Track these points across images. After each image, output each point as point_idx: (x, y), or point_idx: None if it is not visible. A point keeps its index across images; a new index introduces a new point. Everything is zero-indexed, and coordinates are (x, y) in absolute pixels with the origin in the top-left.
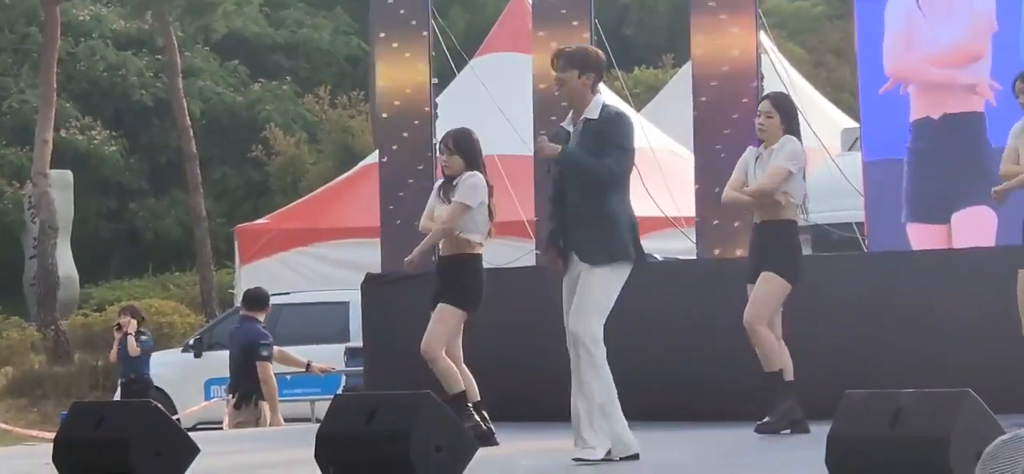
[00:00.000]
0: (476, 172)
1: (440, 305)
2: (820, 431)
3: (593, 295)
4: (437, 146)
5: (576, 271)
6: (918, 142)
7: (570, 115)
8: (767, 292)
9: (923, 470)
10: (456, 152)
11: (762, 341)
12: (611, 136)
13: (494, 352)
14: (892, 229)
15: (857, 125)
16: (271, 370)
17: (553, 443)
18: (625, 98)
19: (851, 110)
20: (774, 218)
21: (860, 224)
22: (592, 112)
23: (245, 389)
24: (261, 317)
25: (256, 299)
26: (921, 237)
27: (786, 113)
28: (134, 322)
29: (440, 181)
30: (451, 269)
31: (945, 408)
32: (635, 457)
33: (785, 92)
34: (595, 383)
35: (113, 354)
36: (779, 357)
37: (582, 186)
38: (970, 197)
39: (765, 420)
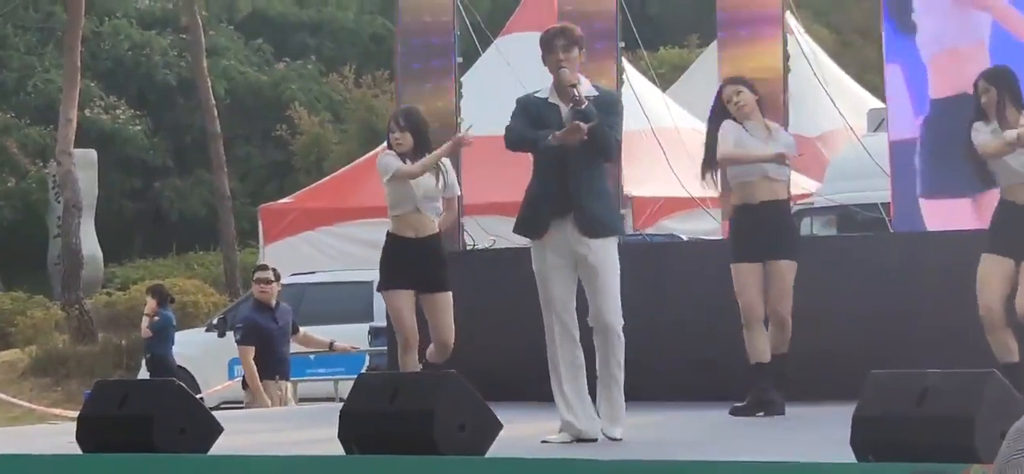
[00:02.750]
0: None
1: (443, 293)
2: (846, 411)
3: (612, 276)
4: (459, 124)
5: (572, 247)
6: (942, 121)
7: (549, 90)
8: (791, 280)
9: (948, 449)
10: (407, 129)
11: (788, 331)
12: (616, 112)
13: (507, 332)
14: (918, 209)
15: (883, 105)
16: (247, 354)
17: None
18: (651, 78)
19: (877, 90)
20: (778, 197)
21: (886, 204)
22: (588, 91)
23: None
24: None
25: None
26: (941, 210)
27: (753, 89)
28: (152, 302)
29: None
30: (436, 248)
31: (971, 388)
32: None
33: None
34: (620, 370)
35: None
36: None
37: (591, 157)
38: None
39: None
